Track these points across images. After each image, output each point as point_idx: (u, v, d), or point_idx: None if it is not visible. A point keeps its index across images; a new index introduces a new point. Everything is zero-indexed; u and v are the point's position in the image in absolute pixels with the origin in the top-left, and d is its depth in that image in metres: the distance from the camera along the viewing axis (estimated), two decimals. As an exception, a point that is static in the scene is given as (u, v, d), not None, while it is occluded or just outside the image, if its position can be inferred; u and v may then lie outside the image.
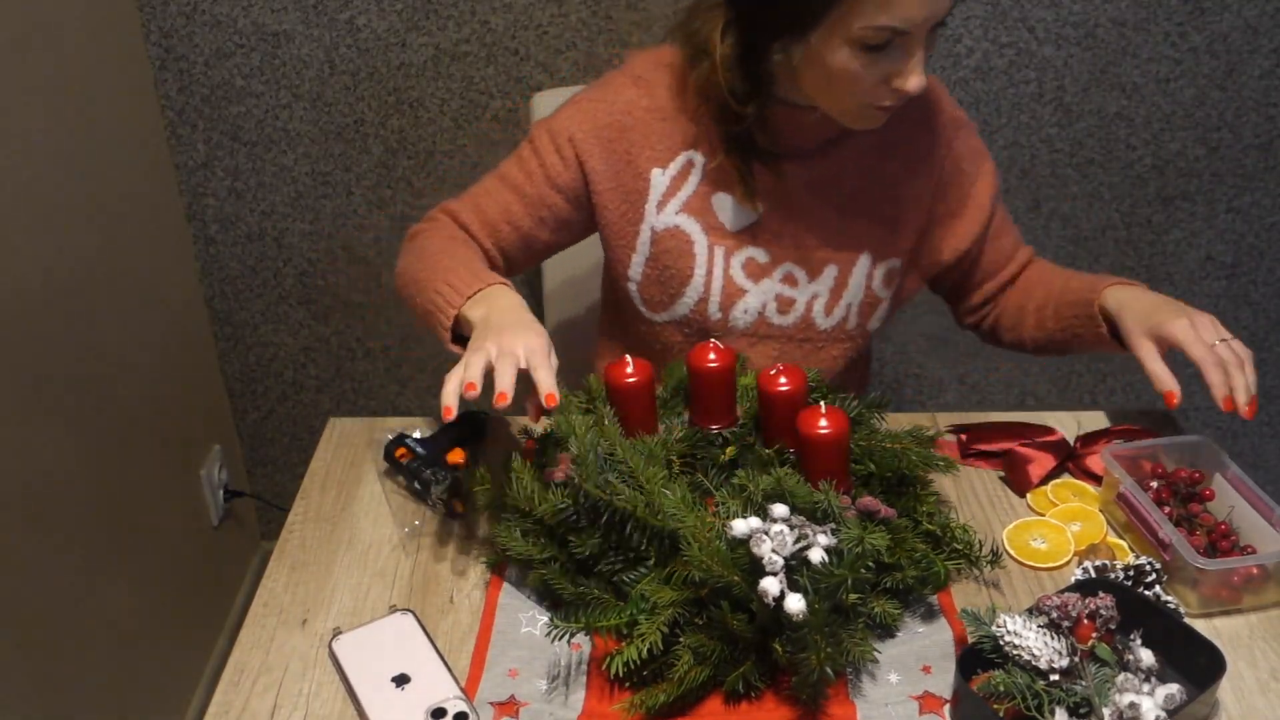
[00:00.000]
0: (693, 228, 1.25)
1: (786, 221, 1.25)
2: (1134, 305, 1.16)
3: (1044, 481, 1.18)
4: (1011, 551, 1.09)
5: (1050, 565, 1.08)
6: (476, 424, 1.26)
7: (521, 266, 1.31)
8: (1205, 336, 1.11)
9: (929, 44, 1.08)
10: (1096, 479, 1.18)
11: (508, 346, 1.02)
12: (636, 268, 1.28)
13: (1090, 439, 1.21)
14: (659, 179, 1.25)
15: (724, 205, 1.25)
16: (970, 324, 1.41)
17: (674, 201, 1.25)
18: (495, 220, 1.26)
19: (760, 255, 1.26)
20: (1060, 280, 1.30)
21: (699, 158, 1.24)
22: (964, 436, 1.24)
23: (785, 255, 1.26)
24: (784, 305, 1.28)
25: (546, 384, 1.01)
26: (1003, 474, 1.20)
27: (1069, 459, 1.21)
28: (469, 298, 1.10)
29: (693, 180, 1.24)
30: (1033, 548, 1.10)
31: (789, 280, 1.27)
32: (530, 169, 1.25)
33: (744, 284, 1.27)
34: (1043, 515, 1.14)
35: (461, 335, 1.11)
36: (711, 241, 1.25)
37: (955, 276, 1.35)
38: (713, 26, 1.16)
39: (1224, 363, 1.10)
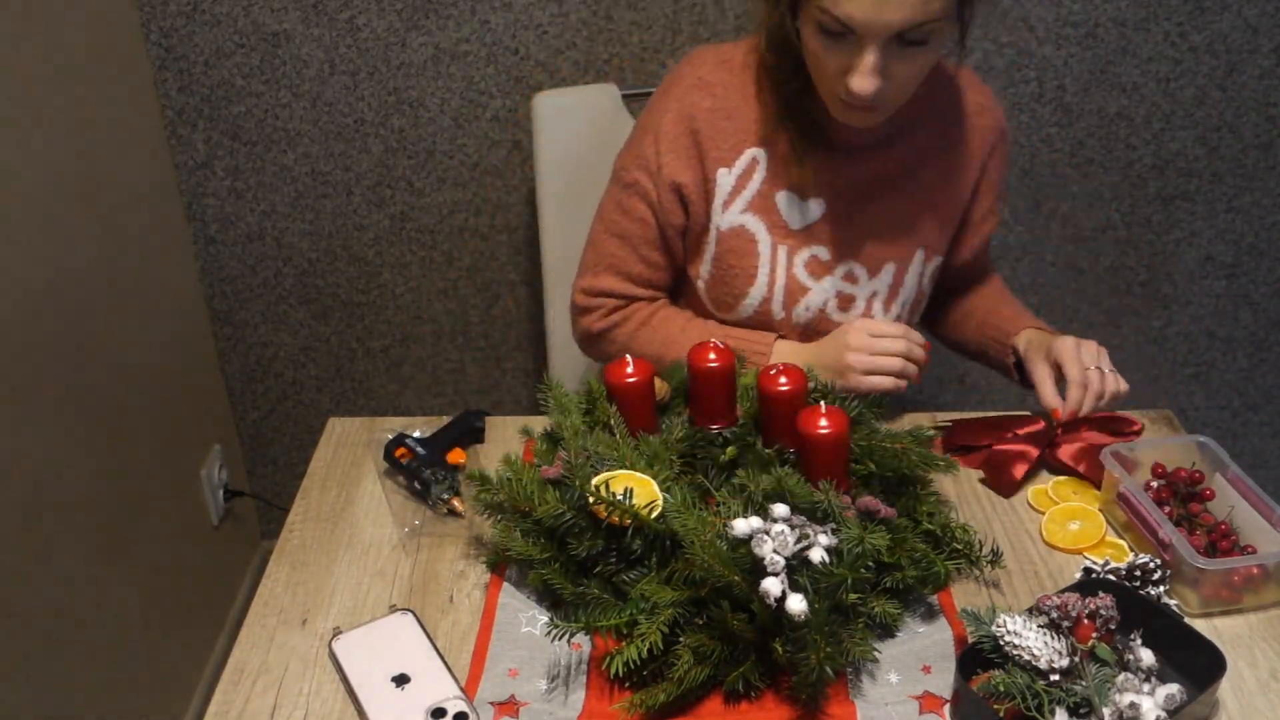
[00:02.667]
0: (757, 226, 1.27)
1: (847, 219, 1.27)
2: (1038, 340, 1.27)
3: (1028, 478, 1.18)
4: (1057, 544, 1.10)
5: (1089, 545, 1.09)
6: (476, 424, 1.26)
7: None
8: (1084, 358, 1.20)
9: (901, 56, 1.09)
10: (1068, 471, 1.18)
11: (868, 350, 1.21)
12: (705, 268, 1.30)
13: (1072, 427, 1.21)
14: (724, 179, 1.26)
15: (788, 204, 1.26)
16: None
17: (739, 201, 1.26)
18: (651, 276, 1.32)
19: (823, 253, 1.28)
20: (995, 300, 1.40)
21: (762, 155, 1.25)
22: (947, 431, 1.25)
23: (846, 253, 1.28)
24: (844, 303, 1.30)
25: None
26: (982, 476, 1.20)
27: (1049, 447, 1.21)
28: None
29: (756, 179, 1.26)
30: (1071, 532, 1.11)
31: (849, 278, 1.29)
32: (642, 216, 1.29)
33: (806, 282, 1.28)
34: (1043, 512, 1.14)
35: None
36: (775, 240, 1.27)
37: (947, 275, 1.40)
38: (763, 4, 1.21)
39: (1086, 385, 1.18)
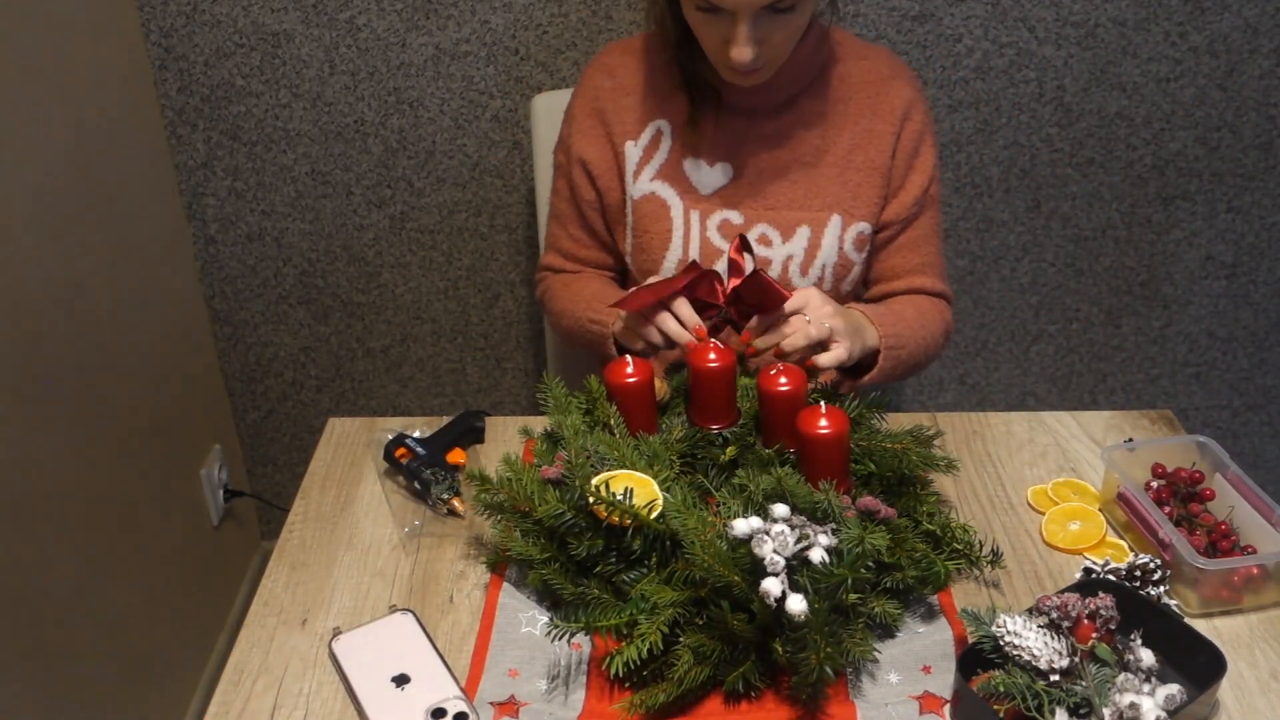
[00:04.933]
0: (667, 193, 1.33)
1: (756, 183, 1.32)
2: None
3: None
4: (1057, 544, 1.10)
5: (1089, 545, 1.09)
6: (476, 424, 1.26)
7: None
8: (810, 307, 1.14)
9: (774, 22, 1.16)
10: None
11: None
12: (628, 240, 1.37)
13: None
14: (632, 151, 1.34)
15: (695, 169, 1.33)
16: None
17: (648, 169, 1.34)
18: (584, 248, 1.42)
19: (735, 217, 1.33)
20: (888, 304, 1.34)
21: (666, 125, 1.34)
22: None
23: (758, 217, 1.33)
24: (761, 266, 1.31)
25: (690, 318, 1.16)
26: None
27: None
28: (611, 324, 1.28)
29: (663, 148, 1.34)
30: (1071, 532, 1.11)
31: (764, 241, 1.33)
32: (566, 195, 1.41)
33: (721, 245, 1.33)
34: (1043, 512, 1.14)
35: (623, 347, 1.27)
36: (687, 205, 1.33)
37: (880, 257, 1.38)
38: None
39: (795, 324, 1.13)
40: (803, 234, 1.32)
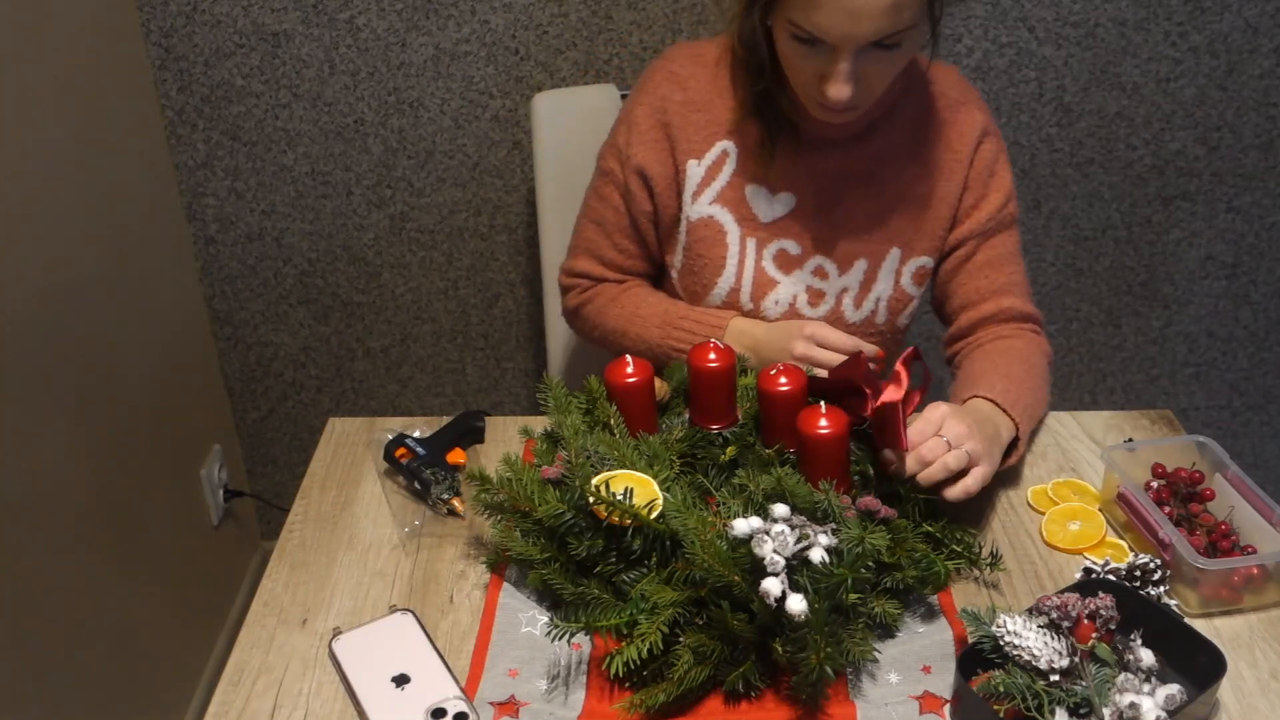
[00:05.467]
0: (725, 218, 1.29)
1: (817, 214, 1.28)
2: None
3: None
4: (1057, 544, 1.10)
5: (1089, 545, 1.09)
6: (476, 424, 1.26)
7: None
8: (947, 430, 1.05)
9: (875, 59, 1.10)
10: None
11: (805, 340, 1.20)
12: (678, 257, 1.33)
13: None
14: (694, 170, 1.29)
15: (757, 197, 1.28)
16: (948, 357, 1.38)
17: (708, 192, 1.29)
18: (627, 257, 1.36)
19: (792, 247, 1.29)
20: (984, 361, 1.26)
21: (733, 148, 1.28)
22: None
23: (816, 248, 1.29)
24: (814, 298, 1.30)
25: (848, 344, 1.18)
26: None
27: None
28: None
29: (726, 171, 1.28)
30: (1071, 532, 1.11)
31: (819, 273, 1.29)
32: (615, 204, 1.34)
33: (775, 275, 1.29)
34: (1043, 512, 1.14)
35: None
36: (744, 233, 1.29)
37: (941, 284, 1.34)
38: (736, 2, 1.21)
39: (934, 450, 1.03)
40: (859, 267, 1.29)
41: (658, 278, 1.41)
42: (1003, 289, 1.31)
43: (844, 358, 1.16)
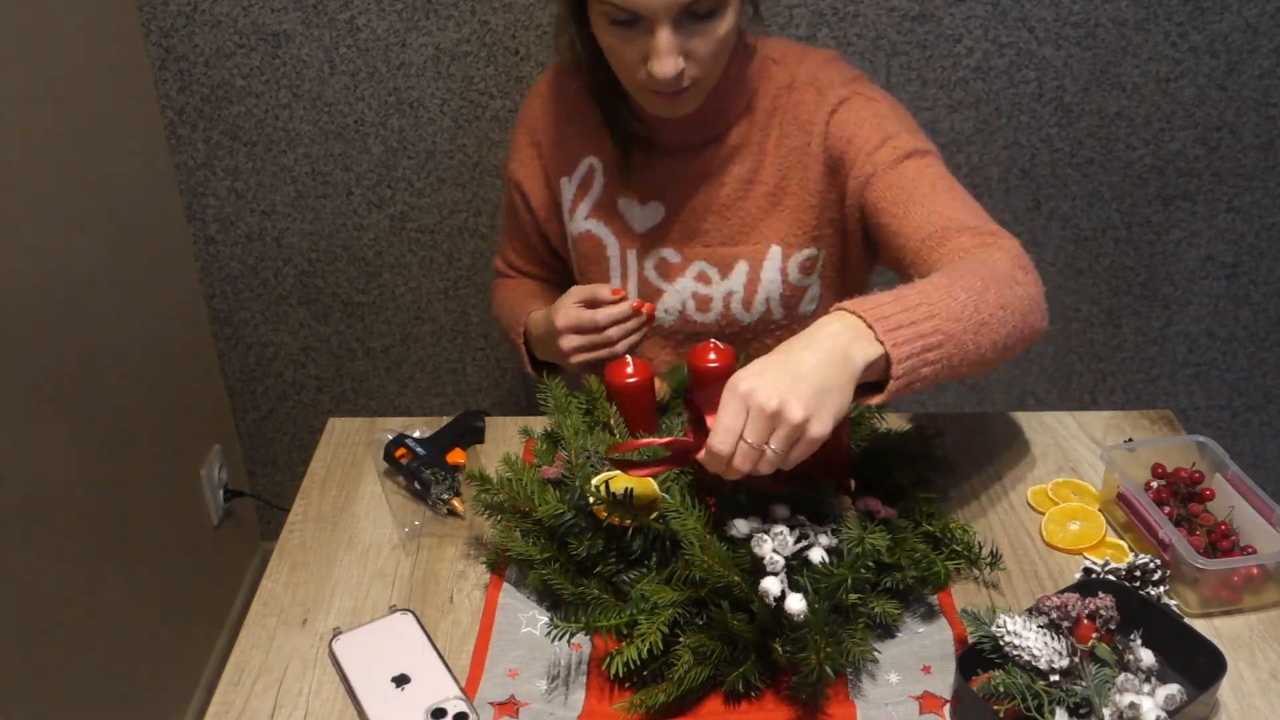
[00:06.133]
0: (603, 231, 1.30)
1: (690, 221, 1.27)
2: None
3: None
4: (1057, 544, 1.10)
5: (1089, 545, 1.09)
6: (476, 424, 1.26)
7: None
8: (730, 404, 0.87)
9: (695, 31, 1.06)
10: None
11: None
12: (575, 271, 1.37)
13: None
14: (567, 187, 1.31)
15: (630, 209, 1.29)
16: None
17: (583, 206, 1.30)
18: (524, 262, 1.44)
19: (671, 255, 1.29)
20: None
21: (598, 162, 1.29)
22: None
23: (695, 255, 1.29)
24: (701, 304, 1.29)
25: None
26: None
27: None
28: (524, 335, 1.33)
29: (597, 185, 1.29)
30: (1071, 532, 1.11)
31: (702, 279, 1.29)
32: (508, 214, 1.41)
33: (659, 284, 1.30)
34: (1043, 512, 1.14)
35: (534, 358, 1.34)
36: (623, 245, 1.30)
37: (885, 252, 1.19)
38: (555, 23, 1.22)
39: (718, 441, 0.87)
40: (741, 269, 1.27)
41: (563, 284, 1.36)
42: (950, 225, 1.10)
43: (619, 311, 1.17)
